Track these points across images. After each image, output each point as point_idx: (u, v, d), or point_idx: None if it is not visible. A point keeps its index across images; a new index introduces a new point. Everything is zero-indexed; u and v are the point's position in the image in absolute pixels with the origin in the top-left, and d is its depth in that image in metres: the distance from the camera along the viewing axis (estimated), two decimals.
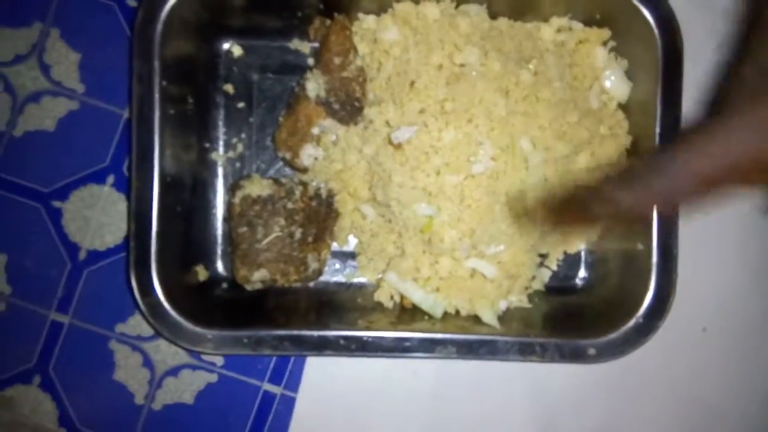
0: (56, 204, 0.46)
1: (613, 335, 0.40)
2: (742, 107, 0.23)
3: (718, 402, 0.47)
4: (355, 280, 0.46)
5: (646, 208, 0.27)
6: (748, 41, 0.25)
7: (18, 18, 0.45)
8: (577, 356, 0.40)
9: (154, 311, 0.40)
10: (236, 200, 0.41)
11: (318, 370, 0.46)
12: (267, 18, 0.44)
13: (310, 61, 0.45)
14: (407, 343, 0.40)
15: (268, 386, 0.46)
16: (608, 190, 0.28)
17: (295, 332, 0.40)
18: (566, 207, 0.33)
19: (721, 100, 0.25)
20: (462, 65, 0.41)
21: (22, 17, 0.45)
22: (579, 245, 0.46)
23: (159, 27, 0.40)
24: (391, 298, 0.44)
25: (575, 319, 0.44)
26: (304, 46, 0.45)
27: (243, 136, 0.46)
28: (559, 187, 0.39)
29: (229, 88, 0.46)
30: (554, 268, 0.46)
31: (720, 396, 0.47)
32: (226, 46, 0.45)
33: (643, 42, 0.41)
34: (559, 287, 0.46)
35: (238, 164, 0.46)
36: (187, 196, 0.43)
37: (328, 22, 0.43)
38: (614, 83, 0.43)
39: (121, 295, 0.45)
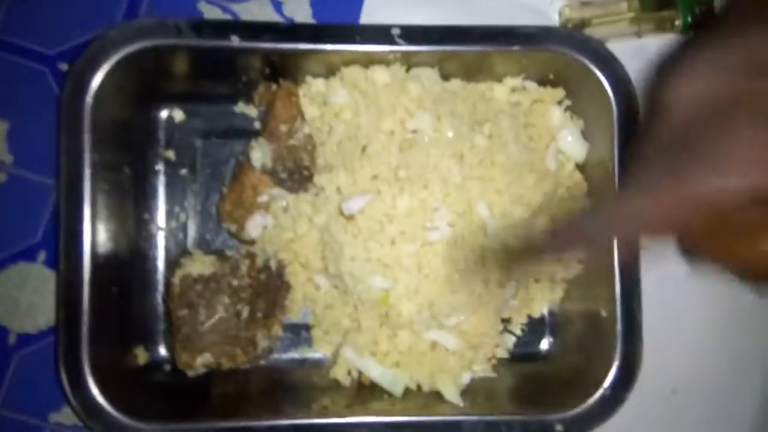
0: None
1: (579, 409, 0.38)
2: (645, 182, 0.26)
3: None
4: (310, 355, 0.43)
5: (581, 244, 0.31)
6: (648, 121, 0.28)
7: None
8: None
9: (87, 406, 0.36)
10: (176, 280, 0.38)
11: None
12: (210, 83, 0.42)
13: (257, 125, 0.43)
14: (365, 430, 0.37)
15: None
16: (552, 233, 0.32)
17: (243, 424, 0.37)
18: (521, 253, 0.37)
19: (629, 174, 0.28)
20: (414, 131, 0.39)
21: None
22: (542, 308, 0.45)
23: (89, 98, 0.37)
24: (349, 374, 0.42)
25: (541, 389, 0.42)
26: (250, 110, 0.43)
27: (186, 204, 0.43)
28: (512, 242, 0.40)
29: (170, 154, 0.43)
30: (518, 333, 0.44)
31: None
32: (166, 111, 0.43)
33: (598, 103, 0.40)
34: (524, 354, 0.44)
35: (180, 235, 0.43)
36: (124, 273, 0.40)
37: (273, 87, 0.41)
38: (571, 143, 0.42)
39: (54, 382, 0.41)
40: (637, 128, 0.39)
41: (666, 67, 0.27)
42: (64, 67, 0.43)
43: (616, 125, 0.40)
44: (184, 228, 0.43)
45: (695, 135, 0.25)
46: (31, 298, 0.42)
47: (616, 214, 0.28)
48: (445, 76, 0.42)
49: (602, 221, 0.29)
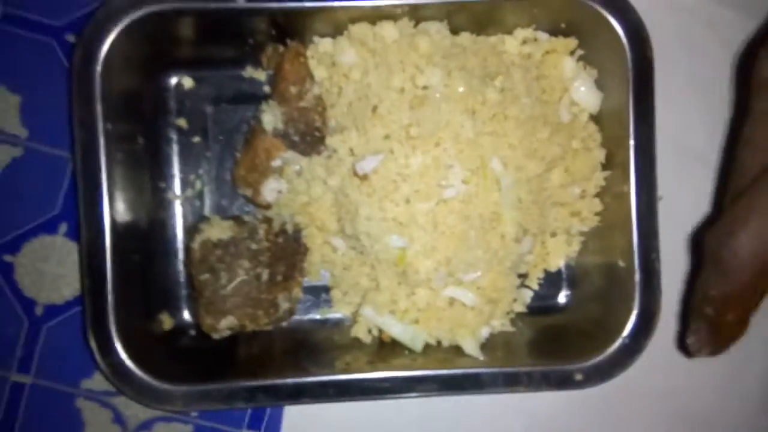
0: (7, 258, 0.43)
1: (599, 358, 0.39)
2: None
3: (706, 414, 0.46)
4: (331, 315, 0.44)
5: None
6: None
7: None
8: (563, 383, 0.39)
9: (117, 371, 0.37)
10: (195, 245, 0.38)
11: (298, 411, 0.44)
12: (217, 48, 0.42)
13: (266, 89, 0.43)
14: (387, 384, 0.38)
15: None
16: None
17: (269, 382, 0.38)
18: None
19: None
20: (425, 87, 0.39)
21: None
22: (559, 262, 0.45)
23: (99, 67, 0.37)
24: (369, 332, 0.42)
25: (560, 341, 0.42)
26: (258, 74, 0.43)
27: (200, 172, 0.43)
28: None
29: (182, 122, 0.43)
30: (535, 287, 0.45)
31: (708, 408, 0.46)
32: (175, 78, 0.43)
33: (611, 51, 0.39)
34: (542, 307, 0.45)
35: (197, 202, 0.43)
36: (144, 242, 0.41)
37: (281, 48, 0.41)
38: (584, 94, 0.42)
39: (83, 350, 0.42)
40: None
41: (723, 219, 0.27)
42: (71, 38, 0.43)
43: (631, 73, 0.39)
44: (200, 195, 0.43)
45: None
46: (55, 269, 0.43)
47: None
48: (454, 30, 0.41)
49: None
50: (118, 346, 0.37)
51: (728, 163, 0.29)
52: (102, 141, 0.37)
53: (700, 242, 0.35)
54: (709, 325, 0.31)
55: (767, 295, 0.27)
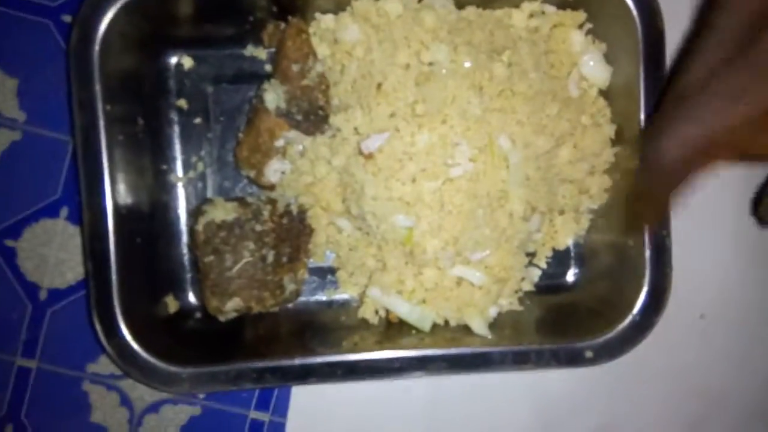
0: (9, 243, 0.43)
1: (609, 335, 0.39)
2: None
3: (720, 389, 0.46)
4: (337, 296, 0.44)
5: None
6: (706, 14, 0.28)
7: None
8: (573, 360, 0.39)
9: (122, 353, 0.37)
10: (199, 227, 0.38)
11: (306, 392, 0.44)
12: (216, 26, 0.41)
13: (268, 68, 0.42)
14: (396, 364, 0.38)
15: (255, 414, 0.44)
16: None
17: (276, 363, 0.37)
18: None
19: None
20: (431, 63, 0.38)
21: None
22: (567, 240, 0.44)
23: (96, 46, 0.36)
24: (376, 313, 0.42)
25: (569, 319, 0.42)
26: (259, 52, 0.42)
27: (202, 153, 0.43)
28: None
29: (182, 103, 0.42)
30: (543, 266, 0.44)
31: (721, 383, 0.46)
32: (174, 58, 0.42)
33: (621, 23, 0.39)
34: (550, 285, 0.44)
35: (199, 184, 0.43)
36: (147, 225, 0.40)
37: (282, 25, 0.40)
38: (593, 68, 0.41)
39: (88, 334, 0.42)
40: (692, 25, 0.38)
41: None
42: (67, 18, 0.42)
43: (641, 46, 0.38)
44: (202, 177, 0.43)
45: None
46: (57, 254, 0.43)
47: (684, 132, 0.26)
48: (460, 4, 0.40)
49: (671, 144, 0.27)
50: (123, 329, 0.37)
51: (677, 62, 0.30)
52: (102, 122, 0.36)
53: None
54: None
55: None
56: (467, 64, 0.38)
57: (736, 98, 0.25)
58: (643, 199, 0.31)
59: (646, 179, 0.29)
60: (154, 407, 0.44)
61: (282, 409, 0.44)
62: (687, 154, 0.27)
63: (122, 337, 0.37)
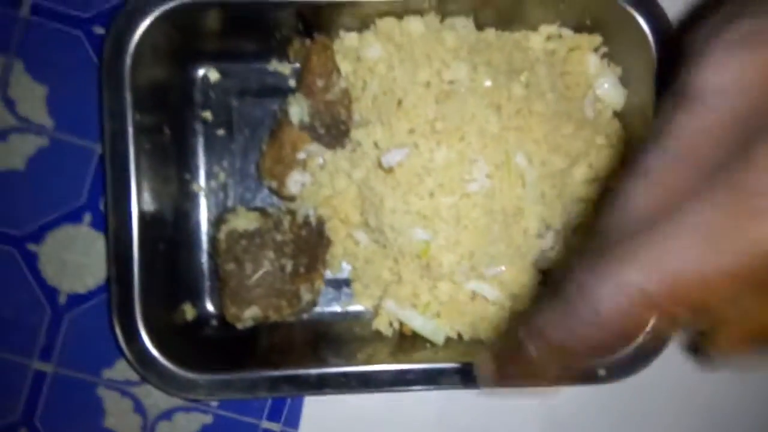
0: (31, 247, 0.43)
1: (623, 354, 0.39)
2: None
3: (731, 408, 0.46)
4: (351, 308, 0.44)
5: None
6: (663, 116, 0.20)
7: None
8: (586, 378, 0.39)
9: (141, 358, 0.38)
10: (221, 236, 0.39)
11: (318, 403, 0.44)
12: (244, 41, 0.42)
13: (291, 83, 0.43)
14: (410, 376, 0.38)
15: (266, 424, 0.44)
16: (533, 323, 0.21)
17: (292, 372, 0.38)
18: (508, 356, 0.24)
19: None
20: (451, 82, 0.39)
21: None
22: None
23: (129, 58, 0.37)
24: (390, 325, 0.42)
25: None
26: (284, 68, 0.43)
27: (225, 164, 0.44)
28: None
29: (207, 115, 0.43)
30: None
31: (732, 402, 0.46)
32: (201, 71, 0.43)
33: (636, 47, 0.40)
34: None
35: (221, 194, 0.44)
36: (169, 232, 0.41)
37: (308, 42, 0.41)
38: (608, 91, 0.42)
39: (105, 340, 0.42)
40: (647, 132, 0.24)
41: (698, 34, 0.19)
42: (99, 30, 0.43)
43: (655, 70, 0.39)
44: (224, 187, 0.44)
45: (737, 150, 0.17)
46: (78, 258, 0.43)
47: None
48: (480, 26, 0.41)
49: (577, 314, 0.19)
50: (143, 334, 0.37)
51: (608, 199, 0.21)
52: (131, 130, 0.37)
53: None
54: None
55: None
56: (487, 83, 0.39)
57: (712, 240, 0.17)
58: (547, 353, 0.21)
59: (563, 328, 0.20)
60: (167, 414, 0.44)
61: (294, 420, 0.44)
62: (626, 308, 0.18)
63: (142, 343, 0.37)
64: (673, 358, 0.40)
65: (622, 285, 0.18)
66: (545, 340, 0.20)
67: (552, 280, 0.34)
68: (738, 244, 0.17)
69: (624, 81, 0.42)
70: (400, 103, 0.39)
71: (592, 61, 0.42)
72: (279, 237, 0.39)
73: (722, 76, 0.18)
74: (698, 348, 0.31)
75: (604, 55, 0.42)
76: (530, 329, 0.21)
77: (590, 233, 0.29)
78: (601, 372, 0.39)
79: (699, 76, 0.19)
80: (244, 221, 0.38)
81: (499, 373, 0.23)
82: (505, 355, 0.23)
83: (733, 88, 0.18)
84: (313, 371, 0.38)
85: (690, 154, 0.19)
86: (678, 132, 0.19)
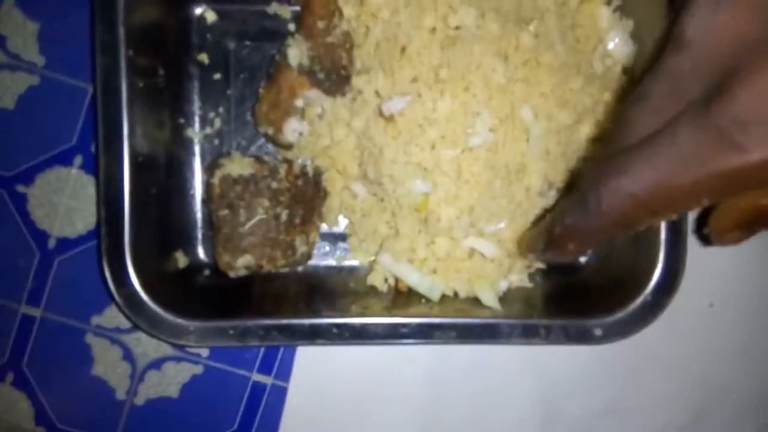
0: (20, 189, 0.42)
1: (620, 314, 0.38)
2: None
3: (725, 379, 0.45)
4: (347, 263, 0.43)
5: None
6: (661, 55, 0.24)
7: None
8: (582, 338, 0.38)
9: (131, 303, 0.37)
10: (215, 180, 0.38)
11: (310, 357, 0.44)
12: None
13: (291, 27, 0.42)
14: (404, 329, 0.38)
15: (257, 376, 0.44)
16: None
17: (284, 321, 0.37)
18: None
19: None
20: (457, 28, 0.37)
21: None
22: None
23: None
24: (386, 281, 0.42)
25: (579, 297, 0.42)
26: (284, 11, 0.42)
27: (220, 110, 0.42)
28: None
29: (203, 57, 0.42)
30: None
31: (727, 373, 0.45)
32: (198, 11, 0.42)
33: (648, 1, 0.38)
34: (562, 264, 0.44)
35: (216, 141, 0.43)
36: (162, 177, 0.40)
37: None
38: (619, 46, 0.40)
39: (95, 285, 0.42)
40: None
41: None
42: None
43: (666, 24, 0.38)
44: (219, 134, 0.42)
45: (728, 85, 0.20)
46: (69, 202, 0.42)
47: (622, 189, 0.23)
48: None
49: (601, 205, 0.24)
50: (133, 277, 0.36)
51: (618, 115, 0.26)
52: (124, 67, 0.36)
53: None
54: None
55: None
56: (494, 30, 0.37)
57: (684, 161, 0.21)
58: (567, 233, 0.27)
59: (578, 215, 0.26)
60: (157, 364, 0.43)
61: (285, 373, 0.44)
62: (619, 206, 0.23)
63: (131, 286, 0.37)
64: (668, 326, 0.39)
65: (618, 189, 0.23)
66: (566, 223, 0.27)
67: (577, 183, 0.39)
68: (703, 169, 0.21)
69: (634, 36, 0.40)
70: (403, 49, 0.38)
71: (604, 15, 0.40)
72: (274, 185, 0.38)
73: (705, 23, 0.22)
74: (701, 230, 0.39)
75: (616, 9, 0.41)
76: (556, 215, 0.28)
77: (605, 143, 0.36)
78: (598, 332, 0.38)
79: (686, 22, 0.22)
80: (239, 166, 0.37)
81: (534, 247, 0.31)
82: (539, 234, 0.30)
83: (714, 33, 0.21)
84: (306, 321, 0.37)
85: (678, 89, 0.22)
86: (670, 69, 0.23)
